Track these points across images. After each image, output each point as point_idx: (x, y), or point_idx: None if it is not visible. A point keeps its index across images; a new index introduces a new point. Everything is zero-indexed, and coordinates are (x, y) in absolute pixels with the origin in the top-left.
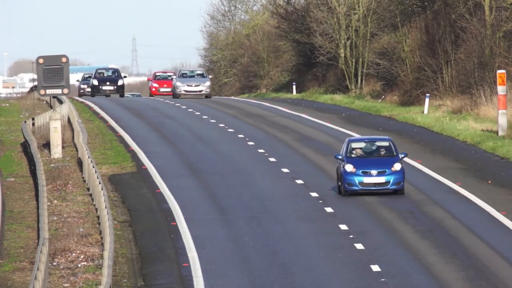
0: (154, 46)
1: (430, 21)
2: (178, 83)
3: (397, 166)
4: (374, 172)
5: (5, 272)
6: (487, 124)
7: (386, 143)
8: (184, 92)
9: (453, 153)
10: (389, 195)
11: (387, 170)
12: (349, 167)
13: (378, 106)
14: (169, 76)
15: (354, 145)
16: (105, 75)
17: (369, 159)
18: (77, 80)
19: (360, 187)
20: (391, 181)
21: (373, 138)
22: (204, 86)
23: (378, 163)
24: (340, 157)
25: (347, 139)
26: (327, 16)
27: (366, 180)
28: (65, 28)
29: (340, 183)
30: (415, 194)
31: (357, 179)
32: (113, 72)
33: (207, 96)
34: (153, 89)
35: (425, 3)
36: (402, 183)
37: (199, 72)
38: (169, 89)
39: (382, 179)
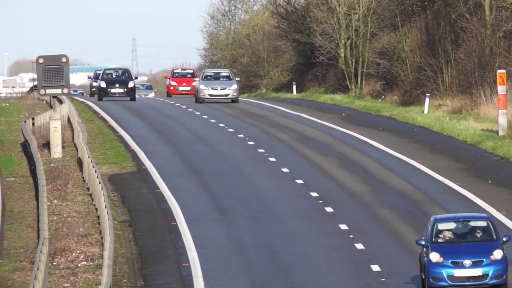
0: (154, 46)
1: (430, 21)
2: (202, 86)
3: (497, 254)
4: (467, 262)
5: (5, 272)
6: (487, 124)
7: (483, 223)
8: (208, 96)
9: (453, 153)
10: (390, 194)
11: (484, 260)
12: (435, 256)
13: (378, 106)
14: (188, 73)
15: (441, 226)
16: (114, 76)
17: (461, 245)
18: (89, 77)
19: (449, 282)
20: (490, 273)
21: (467, 216)
22: (230, 90)
23: (472, 250)
24: (423, 242)
25: (432, 218)
26: (327, 16)
27: (458, 273)
28: (65, 28)
29: (423, 276)
30: (415, 194)
31: (445, 272)
32: (123, 73)
33: (234, 101)
34: (171, 88)
35: (425, 3)
36: (504, 276)
37: (224, 74)
38: (188, 88)
39: (478, 271)
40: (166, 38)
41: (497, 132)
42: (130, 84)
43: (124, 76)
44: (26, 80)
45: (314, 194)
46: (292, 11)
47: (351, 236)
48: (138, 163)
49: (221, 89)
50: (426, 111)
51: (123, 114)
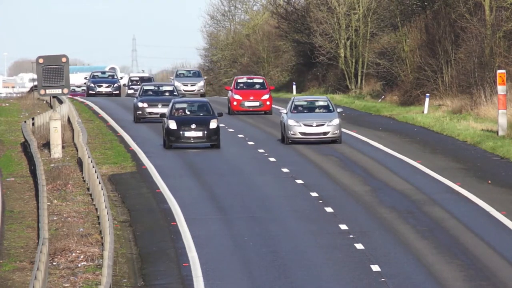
0: (154, 46)
1: (430, 21)
2: (291, 122)
3: None
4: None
5: (5, 272)
6: (487, 124)
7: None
8: (300, 137)
9: (453, 153)
10: (390, 195)
11: None
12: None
13: (378, 106)
14: (257, 83)
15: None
16: (188, 112)
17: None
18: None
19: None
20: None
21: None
22: (330, 127)
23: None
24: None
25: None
26: (327, 16)
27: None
28: (65, 28)
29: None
30: (415, 194)
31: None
32: (200, 107)
33: (336, 142)
34: (234, 103)
35: (425, 3)
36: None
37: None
38: (257, 103)
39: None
40: (166, 38)
41: (497, 132)
42: (212, 124)
43: (201, 111)
44: (26, 80)
45: (314, 194)
46: (292, 11)
47: (351, 236)
48: (138, 163)
49: (317, 125)
50: (426, 111)
51: (123, 114)
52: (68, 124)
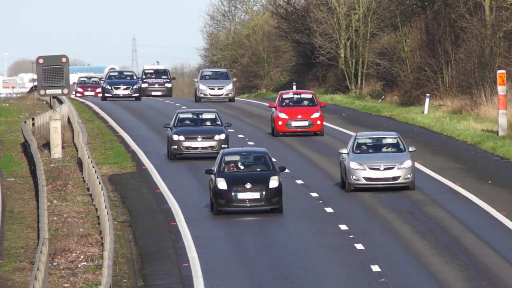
0: (154, 46)
1: (430, 21)
2: (353, 164)
3: None
4: None
5: (5, 272)
6: (487, 124)
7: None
8: (365, 183)
9: (453, 153)
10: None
11: None
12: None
13: (378, 106)
14: (305, 99)
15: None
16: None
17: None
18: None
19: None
20: None
21: None
22: (401, 170)
23: None
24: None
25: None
26: (327, 16)
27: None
28: (65, 28)
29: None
30: (415, 194)
31: None
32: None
33: (409, 188)
34: (279, 123)
35: (425, 3)
36: None
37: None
38: (306, 123)
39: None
40: (166, 38)
41: (497, 133)
42: (273, 183)
43: (257, 165)
44: (26, 80)
45: (314, 194)
46: (292, 12)
47: (351, 236)
48: (138, 163)
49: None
50: (426, 111)
51: (123, 114)
52: (68, 124)
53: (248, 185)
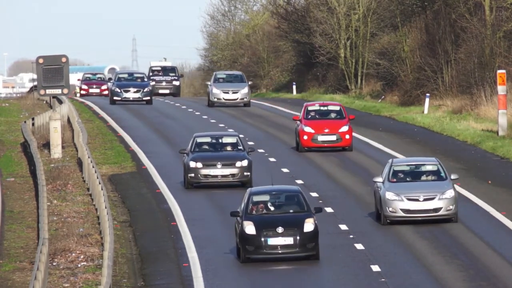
0: (154, 46)
1: (430, 21)
2: (389, 195)
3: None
4: None
5: (5, 272)
6: (487, 124)
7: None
8: (402, 215)
9: (453, 153)
10: None
11: None
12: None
13: (378, 106)
14: (332, 112)
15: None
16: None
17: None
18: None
19: None
20: None
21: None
22: (443, 201)
23: None
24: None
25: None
26: (327, 16)
27: None
28: (65, 28)
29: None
30: None
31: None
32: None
33: (452, 221)
34: (305, 138)
35: (425, 3)
36: None
37: (432, 167)
38: (333, 137)
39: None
40: (166, 38)
41: (497, 132)
42: (308, 226)
43: (290, 205)
44: (26, 80)
45: (314, 194)
46: (292, 12)
47: (351, 236)
48: (138, 163)
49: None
50: (426, 111)
51: (123, 114)
52: (68, 124)
53: (280, 229)
